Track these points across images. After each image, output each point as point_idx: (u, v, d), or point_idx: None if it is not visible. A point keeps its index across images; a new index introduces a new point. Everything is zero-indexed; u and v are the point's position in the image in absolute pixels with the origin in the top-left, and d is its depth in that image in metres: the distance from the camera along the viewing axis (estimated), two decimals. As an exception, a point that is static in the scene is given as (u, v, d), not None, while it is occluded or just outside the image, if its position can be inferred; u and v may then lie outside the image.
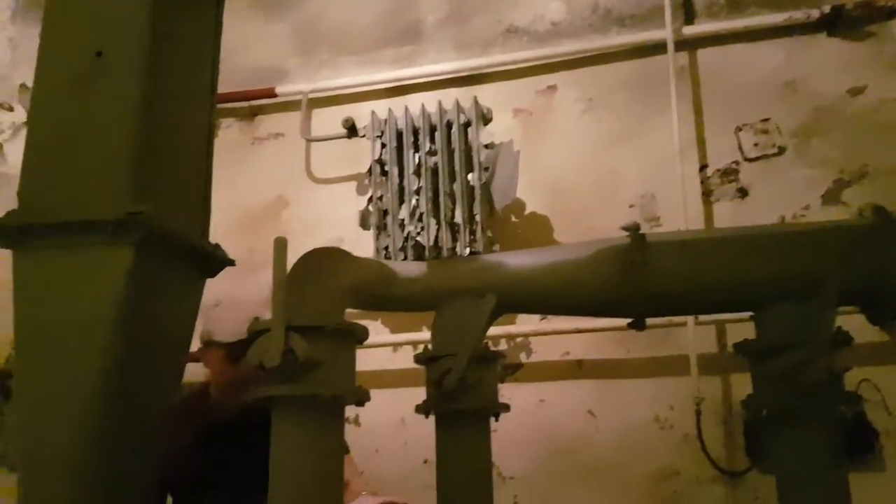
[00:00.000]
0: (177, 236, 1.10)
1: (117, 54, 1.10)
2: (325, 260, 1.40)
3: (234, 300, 1.99)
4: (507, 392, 2.08)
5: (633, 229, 1.32)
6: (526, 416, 2.32)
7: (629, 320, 1.44)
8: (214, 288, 1.31)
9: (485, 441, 1.50)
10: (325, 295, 1.29)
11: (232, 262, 1.28)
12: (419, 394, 2.29)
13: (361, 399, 1.28)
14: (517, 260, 1.51)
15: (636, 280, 1.32)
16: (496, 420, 1.55)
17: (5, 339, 2.72)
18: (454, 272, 1.60)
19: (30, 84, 3.02)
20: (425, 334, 2.51)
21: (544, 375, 2.44)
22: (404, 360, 2.57)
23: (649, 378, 2.35)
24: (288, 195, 2.89)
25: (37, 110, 1.13)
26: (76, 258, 1.04)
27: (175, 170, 1.17)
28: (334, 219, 2.74)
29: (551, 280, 1.44)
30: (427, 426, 2.46)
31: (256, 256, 2.65)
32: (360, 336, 1.29)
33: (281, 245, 1.19)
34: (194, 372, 1.81)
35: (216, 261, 1.23)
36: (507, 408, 1.52)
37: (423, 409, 1.53)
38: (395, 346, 2.61)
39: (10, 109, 2.94)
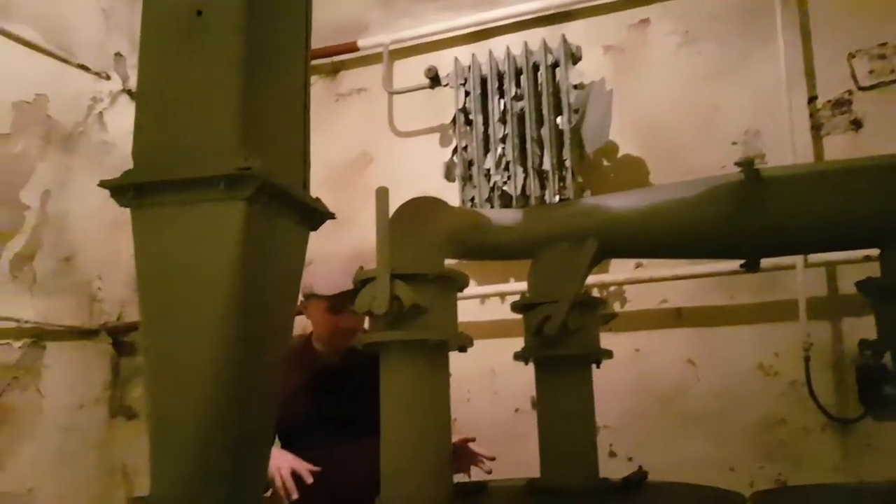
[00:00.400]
0: (284, 190, 1.11)
1: (216, 12, 1.11)
2: (424, 209, 1.40)
3: (329, 255, 2.04)
4: (602, 342, 2.04)
5: (747, 164, 1.24)
6: (621, 366, 2.28)
7: (732, 266, 1.38)
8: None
9: (587, 387, 1.49)
10: (425, 243, 1.29)
11: (332, 216, 1.29)
12: (508, 344, 2.29)
13: (465, 344, 1.29)
14: (618, 202, 1.46)
15: (750, 218, 1.25)
16: (597, 367, 1.53)
17: (114, 297, 2.92)
18: (551, 218, 1.56)
19: (124, 53, 3.15)
20: (512, 285, 2.51)
21: (640, 325, 2.39)
22: (493, 311, 2.58)
23: (754, 325, 2.26)
24: (371, 151, 2.90)
25: (144, 72, 1.16)
26: (191, 214, 1.07)
27: (277, 125, 1.19)
28: (418, 172, 2.73)
29: (656, 222, 1.38)
30: (517, 376, 2.47)
31: (342, 214, 2.70)
32: (461, 283, 1.29)
33: (383, 195, 1.20)
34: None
35: (319, 214, 1.25)
36: (609, 354, 1.50)
37: (522, 356, 1.53)
38: (483, 297, 2.61)
39: (107, 78, 3.05)
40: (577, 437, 1.44)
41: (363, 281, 1.23)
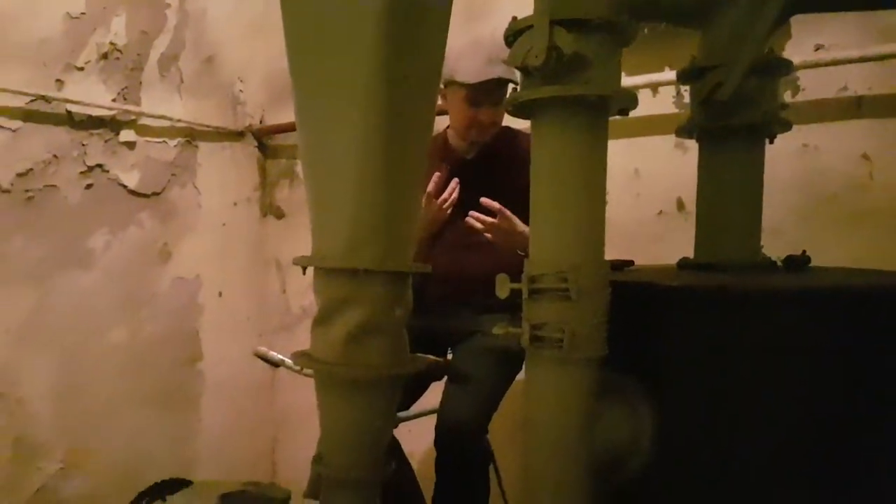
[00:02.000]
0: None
1: None
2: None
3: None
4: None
5: None
6: (786, 162, 2.09)
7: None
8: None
9: (757, 162, 1.34)
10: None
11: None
12: (655, 143, 2.12)
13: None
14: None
15: None
16: (770, 143, 1.37)
17: (255, 100, 2.98)
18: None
19: None
20: (667, 74, 2.29)
21: (812, 117, 2.13)
22: (641, 105, 2.38)
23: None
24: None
25: None
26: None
27: None
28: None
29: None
30: (662, 177, 2.34)
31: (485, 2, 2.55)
32: (629, 34, 1.14)
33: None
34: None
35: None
36: (787, 126, 1.33)
37: (685, 131, 1.39)
38: (632, 90, 2.40)
39: None
40: (741, 213, 1.33)
41: (517, 32, 1.12)
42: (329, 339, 1.27)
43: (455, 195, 1.88)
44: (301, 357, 1.36)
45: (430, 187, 1.84)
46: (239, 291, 3.06)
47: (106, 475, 2.39)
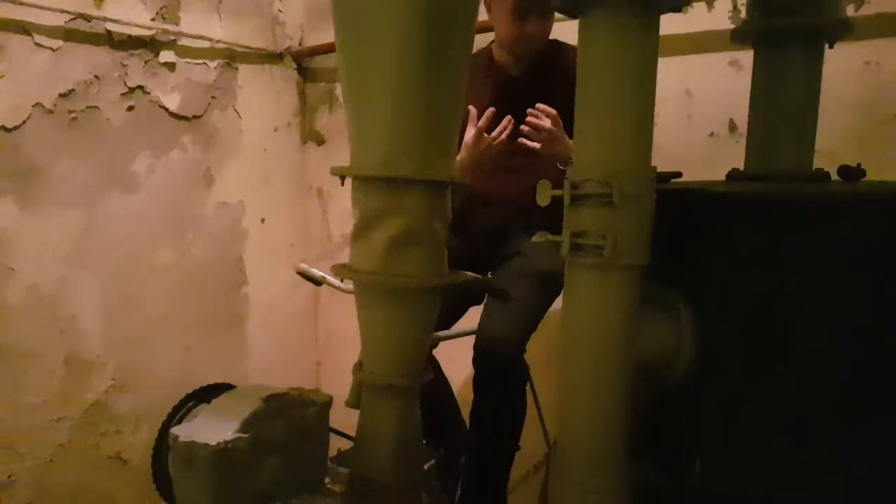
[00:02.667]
0: None
1: None
2: None
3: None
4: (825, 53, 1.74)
5: None
6: (844, 82, 1.98)
7: None
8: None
9: (816, 69, 1.28)
10: None
11: None
12: (708, 61, 2.01)
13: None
14: None
15: None
16: (830, 47, 1.29)
17: (294, 21, 2.91)
18: None
19: None
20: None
21: (875, 31, 2.00)
22: (696, 20, 2.27)
23: None
24: None
25: None
26: None
27: None
28: None
29: None
30: (715, 98, 2.24)
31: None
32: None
33: None
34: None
35: None
36: (848, 28, 1.25)
37: (740, 35, 1.32)
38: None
39: None
40: (796, 122, 1.27)
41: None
42: (369, 250, 1.27)
43: (506, 134, 1.81)
44: (341, 268, 1.37)
45: (482, 122, 1.78)
46: (281, 218, 3.09)
47: (155, 392, 2.48)
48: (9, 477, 2.11)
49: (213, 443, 1.12)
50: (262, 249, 3.00)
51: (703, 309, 1.09)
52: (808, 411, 1.05)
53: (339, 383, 1.35)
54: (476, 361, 1.81)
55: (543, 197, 1.13)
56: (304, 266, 1.92)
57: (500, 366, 1.79)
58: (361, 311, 1.37)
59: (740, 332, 1.07)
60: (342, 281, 1.51)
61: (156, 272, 2.56)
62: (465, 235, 1.93)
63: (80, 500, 2.29)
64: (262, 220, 2.99)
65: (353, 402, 1.79)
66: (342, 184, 1.29)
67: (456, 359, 2.06)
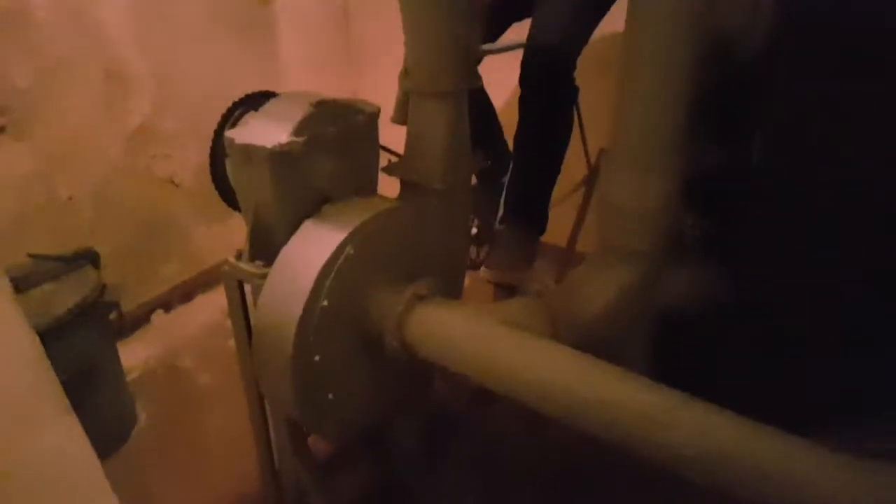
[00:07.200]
0: None
1: None
2: None
3: None
4: None
5: None
6: None
7: None
8: None
9: None
10: None
11: None
12: None
13: None
14: None
15: None
16: None
17: None
18: None
19: None
20: None
21: None
22: None
23: None
24: None
25: None
26: None
27: None
28: None
29: None
30: None
31: None
32: None
33: None
34: None
35: None
36: None
37: None
38: None
39: None
40: None
41: None
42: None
43: None
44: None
45: None
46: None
47: (196, 108, 2.46)
48: (69, 198, 2.21)
49: (269, 145, 1.12)
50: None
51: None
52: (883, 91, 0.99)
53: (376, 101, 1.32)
54: (524, 75, 1.75)
55: None
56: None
57: (550, 78, 1.72)
58: (405, 9, 1.28)
59: None
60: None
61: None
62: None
63: (140, 216, 2.43)
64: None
65: (399, 117, 1.78)
66: None
67: (495, 83, 1.99)
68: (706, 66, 1.04)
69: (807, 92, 1.02)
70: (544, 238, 1.99)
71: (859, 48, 0.95)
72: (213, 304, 2.60)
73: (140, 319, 2.48)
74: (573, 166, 2.06)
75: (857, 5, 0.93)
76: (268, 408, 1.41)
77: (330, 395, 1.19)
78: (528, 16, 1.84)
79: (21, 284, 1.71)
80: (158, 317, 2.53)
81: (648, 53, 1.06)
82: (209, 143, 1.48)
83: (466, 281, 1.76)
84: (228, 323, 1.33)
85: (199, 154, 2.52)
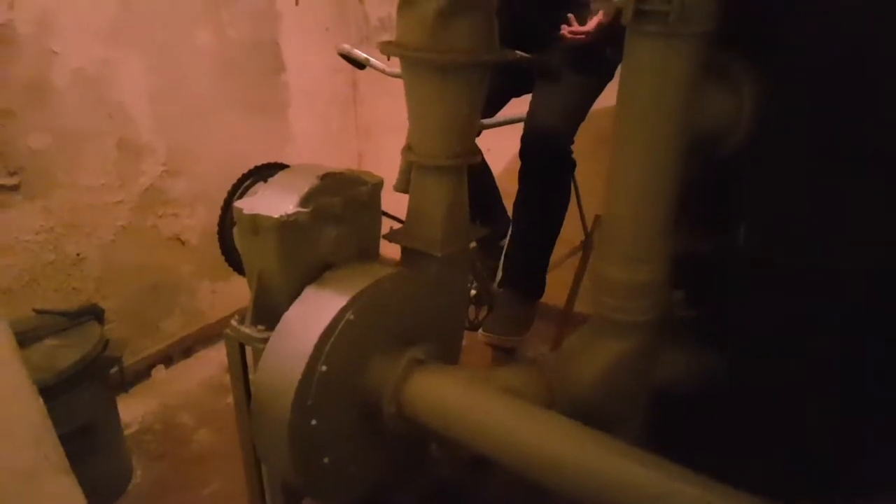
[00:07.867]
0: None
1: None
2: None
3: None
4: None
5: None
6: None
7: None
8: None
9: None
10: None
11: None
12: None
13: None
14: None
15: None
16: None
17: None
18: None
19: None
20: None
21: None
22: None
23: None
24: None
25: None
26: None
27: None
28: None
29: None
30: None
31: None
32: None
33: None
34: None
35: None
36: None
37: None
38: None
39: None
40: None
41: None
42: (417, 20, 1.23)
43: None
44: (387, 45, 1.33)
45: None
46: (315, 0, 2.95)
47: (207, 176, 2.56)
48: (77, 255, 2.26)
49: (276, 215, 1.17)
50: (298, 34, 2.90)
51: (765, 76, 1.04)
52: (863, 185, 1.04)
53: (381, 172, 1.38)
54: (524, 150, 1.81)
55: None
56: (346, 47, 1.86)
57: (549, 153, 1.78)
58: (409, 89, 1.35)
59: (801, 102, 1.03)
60: (388, 59, 1.47)
61: (197, 53, 2.51)
62: (515, 10, 1.83)
63: (145, 273, 2.47)
64: (296, 2, 2.86)
65: (402, 186, 1.84)
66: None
67: (494, 151, 2.06)
68: (693, 160, 1.09)
69: (787, 185, 1.07)
70: (543, 299, 2.02)
71: (837, 148, 1.01)
72: (213, 360, 2.62)
73: (141, 373, 2.49)
74: (570, 230, 2.11)
75: (834, 108, 0.99)
76: (264, 470, 1.42)
77: (326, 459, 1.21)
78: (526, 92, 1.92)
79: (25, 339, 1.74)
80: (159, 372, 2.55)
81: (634, 152, 1.12)
82: (216, 206, 1.54)
83: (465, 341, 1.78)
84: (227, 379, 1.35)
85: (206, 214, 2.59)
